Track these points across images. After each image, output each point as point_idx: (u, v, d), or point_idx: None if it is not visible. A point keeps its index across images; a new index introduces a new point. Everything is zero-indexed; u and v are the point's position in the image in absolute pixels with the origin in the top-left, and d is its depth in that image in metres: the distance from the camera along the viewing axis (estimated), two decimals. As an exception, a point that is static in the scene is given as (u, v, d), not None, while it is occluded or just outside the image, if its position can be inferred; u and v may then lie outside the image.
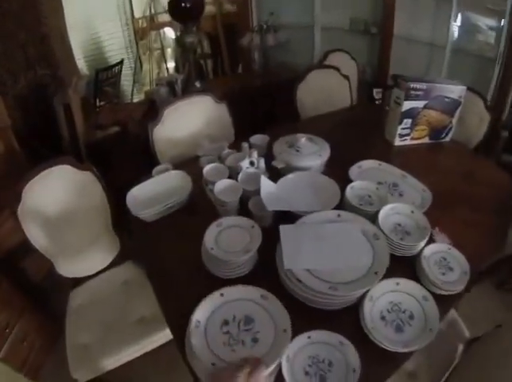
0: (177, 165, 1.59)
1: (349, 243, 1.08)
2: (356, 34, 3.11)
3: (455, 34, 2.90)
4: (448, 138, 1.96)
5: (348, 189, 1.34)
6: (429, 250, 1.15)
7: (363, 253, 1.04)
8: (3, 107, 2.13)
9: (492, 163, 1.95)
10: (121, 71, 3.95)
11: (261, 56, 3.22)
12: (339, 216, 1.17)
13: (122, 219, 1.49)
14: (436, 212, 1.32)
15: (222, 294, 0.94)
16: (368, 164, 1.59)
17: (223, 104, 2.01)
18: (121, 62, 3.96)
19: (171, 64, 3.97)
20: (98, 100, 3.53)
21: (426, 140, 1.91)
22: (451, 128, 1.93)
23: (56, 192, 1.50)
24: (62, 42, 3.11)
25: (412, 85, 1.72)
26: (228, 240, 1.10)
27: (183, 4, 2.67)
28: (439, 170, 1.70)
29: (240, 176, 1.35)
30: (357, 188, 1.37)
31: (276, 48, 3.17)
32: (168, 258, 1.22)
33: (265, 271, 1.07)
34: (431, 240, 1.20)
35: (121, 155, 2.61)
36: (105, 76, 3.71)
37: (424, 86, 1.74)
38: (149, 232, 1.32)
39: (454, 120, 1.90)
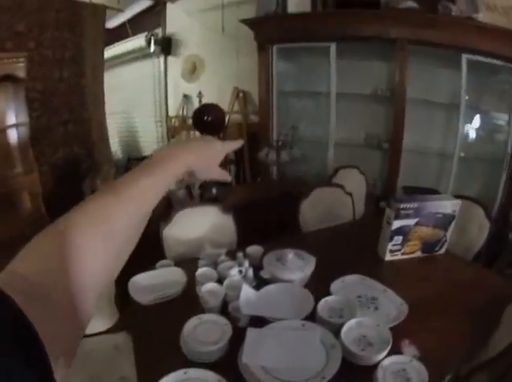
0: (179, 263, 1.83)
1: (306, 349, 1.23)
2: (369, 149, 3.37)
3: (464, 142, 3.17)
4: (442, 251, 2.05)
5: (322, 301, 1.47)
6: (389, 360, 1.21)
7: (316, 358, 1.19)
8: (37, 175, 2.38)
9: (489, 271, 2.06)
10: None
11: (277, 170, 3.50)
12: (303, 325, 1.34)
13: (123, 297, 1.69)
14: (413, 324, 1.41)
15: (185, 373, 1.13)
16: (352, 278, 1.71)
17: (229, 215, 2.22)
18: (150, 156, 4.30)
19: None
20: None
21: (418, 254, 2.01)
22: (445, 241, 2.01)
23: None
24: (100, 127, 3.50)
25: (401, 206, 1.86)
26: (204, 332, 1.31)
27: (205, 117, 2.97)
28: (427, 282, 1.77)
29: (226, 282, 1.57)
30: (331, 301, 1.50)
31: (291, 163, 3.41)
32: (154, 335, 1.42)
33: (231, 363, 1.22)
34: (397, 352, 1.27)
35: (139, 247, 2.80)
36: (135, 164, 4.03)
37: (414, 205, 1.87)
38: (144, 312, 1.55)
39: (448, 233, 2.01)
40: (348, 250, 2.03)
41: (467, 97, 3.16)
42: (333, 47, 3.24)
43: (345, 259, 1.91)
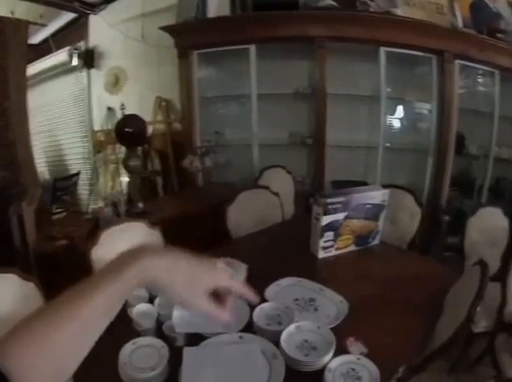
0: None
1: (247, 363, 1.15)
2: (294, 147, 3.37)
3: (390, 133, 3.29)
4: (376, 242, 2.05)
5: (257, 310, 1.38)
6: (336, 362, 1.16)
7: (259, 372, 1.12)
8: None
9: (426, 258, 2.11)
10: (77, 181, 4.07)
11: (203, 177, 3.43)
12: (241, 337, 1.25)
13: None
14: (356, 321, 1.37)
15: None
16: (287, 281, 1.65)
17: (156, 230, 2.09)
18: (77, 174, 4.09)
19: (125, 179, 4.11)
20: (54, 207, 3.63)
21: (352, 247, 1.99)
22: (377, 231, 2.01)
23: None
24: (25, 149, 3.31)
25: (329, 201, 1.83)
26: (141, 357, 1.20)
27: (126, 129, 2.84)
28: (365, 277, 1.74)
29: (156, 301, 1.45)
30: (267, 308, 1.42)
31: (217, 169, 3.37)
32: (92, 366, 1.25)
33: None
34: (344, 351, 1.22)
35: (69, 269, 2.63)
36: (62, 185, 3.82)
37: (342, 199, 1.84)
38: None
39: (380, 223, 2.00)
40: (281, 252, 1.98)
41: (389, 89, 3.26)
42: (253, 49, 3.22)
43: (278, 261, 1.85)
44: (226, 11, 3.44)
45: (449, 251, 3.03)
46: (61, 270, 2.52)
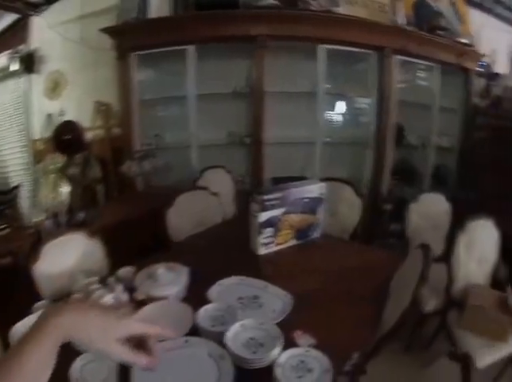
0: (58, 301, 1.59)
1: (195, 368, 1.14)
2: (234, 147, 3.35)
3: (331, 128, 3.35)
4: (316, 235, 2.06)
5: (201, 311, 1.37)
6: (285, 356, 1.16)
7: (207, 375, 1.10)
8: None
9: (366, 247, 2.14)
10: (18, 194, 3.87)
11: (144, 182, 3.35)
12: (186, 341, 1.23)
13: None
14: (302, 314, 1.38)
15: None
16: (230, 281, 1.64)
17: (95, 240, 2.03)
18: (18, 186, 3.89)
19: (66, 189, 3.95)
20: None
21: (293, 242, 2.00)
22: (317, 224, 2.02)
23: None
24: None
25: (265, 197, 1.82)
26: (91, 372, 1.16)
27: (63, 137, 2.75)
28: (308, 270, 1.76)
29: None
30: (210, 309, 1.41)
31: (158, 172, 3.31)
32: None
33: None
34: (293, 345, 1.22)
35: (15, 286, 2.49)
36: (2, 199, 3.62)
37: (279, 194, 1.84)
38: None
39: (319, 216, 2.02)
40: (222, 252, 1.97)
41: (329, 85, 3.31)
42: (192, 49, 3.18)
43: (220, 261, 1.84)
44: (167, 11, 3.39)
45: (393, 237, 3.12)
46: (7, 289, 2.41)
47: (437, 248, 2.37)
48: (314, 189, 1.95)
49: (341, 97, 3.58)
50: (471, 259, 2.16)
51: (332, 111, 3.55)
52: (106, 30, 3.34)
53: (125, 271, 1.75)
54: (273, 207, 1.84)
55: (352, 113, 3.68)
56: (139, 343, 0.63)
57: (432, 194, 2.59)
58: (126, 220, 2.79)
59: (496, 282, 2.58)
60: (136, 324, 0.62)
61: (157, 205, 2.57)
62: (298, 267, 1.80)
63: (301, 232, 1.99)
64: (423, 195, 2.52)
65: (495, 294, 2.07)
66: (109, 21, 3.46)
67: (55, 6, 4.08)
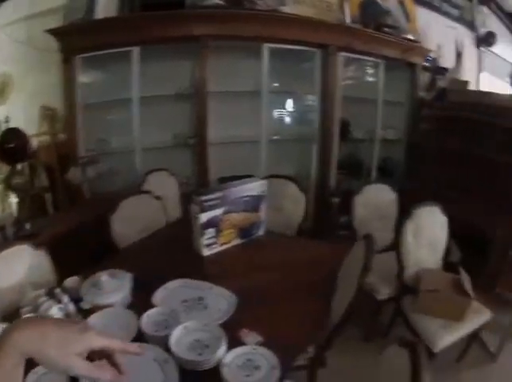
0: (8, 317, 1.55)
1: (141, 374, 1.12)
2: (179, 148, 3.32)
3: (278, 126, 3.40)
4: (260, 232, 2.08)
5: (144, 317, 1.36)
6: (231, 356, 1.18)
7: (154, 381, 1.11)
8: None
9: (312, 241, 2.17)
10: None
11: (89, 189, 3.28)
12: None
13: None
14: (249, 312, 1.40)
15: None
16: (174, 284, 1.63)
17: (42, 250, 1.97)
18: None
19: (14, 200, 3.80)
20: None
21: (237, 241, 2.02)
22: (261, 222, 2.04)
23: None
24: None
25: (204, 198, 1.83)
26: None
27: (7, 145, 2.66)
28: (253, 268, 1.78)
29: None
30: (153, 314, 1.40)
31: (103, 178, 3.25)
32: None
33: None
34: (240, 344, 1.24)
35: None
36: None
37: (218, 194, 1.85)
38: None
39: (262, 214, 2.03)
40: (167, 255, 1.96)
41: (275, 84, 3.36)
42: (136, 51, 3.12)
43: (165, 265, 1.83)
44: (114, 12, 3.33)
45: (343, 230, 3.20)
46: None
47: (387, 237, 2.48)
48: (254, 187, 1.97)
49: (286, 95, 3.64)
50: (421, 244, 2.25)
51: (279, 108, 3.60)
52: (51, 31, 3.23)
53: (71, 281, 1.73)
54: (212, 207, 1.84)
55: (299, 110, 3.73)
56: (104, 356, 0.62)
57: (376, 185, 2.67)
58: (74, 228, 2.74)
59: (450, 266, 2.72)
60: (96, 337, 0.59)
61: (103, 211, 2.59)
62: (243, 266, 1.82)
63: (245, 231, 2.00)
64: (367, 187, 2.59)
65: (448, 277, 2.18)
66: (56, 22, 3.35)
67: (4, 5, 3.96)
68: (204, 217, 1.84)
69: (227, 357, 1.17)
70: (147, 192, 2.41)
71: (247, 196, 1.94)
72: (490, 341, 2.41)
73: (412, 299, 2.16)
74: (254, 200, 1.97)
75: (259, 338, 1.27)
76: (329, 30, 3.31)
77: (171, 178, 2.81)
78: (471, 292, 2.02)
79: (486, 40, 5.48)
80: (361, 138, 3.84)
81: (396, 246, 2.19)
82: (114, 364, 0.63)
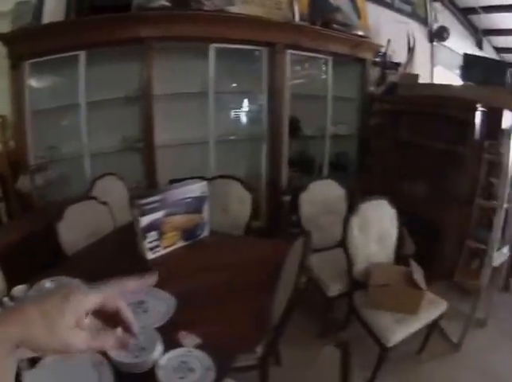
0: None
1: (76, 377, 1.17)
2: (128, 152, 3.29)
3: (223, 126, 3.42)
4: (205, 233, 2.09)
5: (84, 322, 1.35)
6: (166, 358, 1.19)
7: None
8: None
9: (259, 240, 2.22)
10: None
11: (39, 197, 3.20)
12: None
13: None
14: (191, 314, 1.41)
15: None
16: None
17: None
18: None
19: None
20: None
21: (181, 243, 2.02)
22: (204, 223, 2.05)
23: None
24: None
25: (143, 201, 1.82)
26: None
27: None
28: (198, 269, 1.78)
29: None
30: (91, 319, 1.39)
31: (53, 185, 3.19)
32: None
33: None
34: (179, 346, 1.25)
35: None
36: None
37: (158, 197, 1.84)
38: None
39: (205, 215, 2.04)
40: (113, 260, 1.94)
41: (223, 84, 3.35)
42: (83, 55, 3.08)
43: (110, 270, 1.77)
44: (61, 16, 3.27)
45: (294, 228, 3.24)
46: None
47: (337, 233, 2.49)
48: (195, 189, 1.97)
49: (236, 95, 3.67)
50: (369, 239, 2.28)
51: (228, 109, 3.62)
52: (-1, 37, 3.18)
53: (18, 290, 1.71)
54: (153, 210, 1.84)
55: (248, 109, 3.76)
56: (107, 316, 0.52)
57: (322, 181, 2.70)
58: (25, 237, 2.69)
59: (405, 258, 2.76)
60: (85, 298, 0.49)
61: (53, 220, 2.56)
62: (188, 268, 1.82)
63: (188, 233, 2.01)
64: (312, 183, 2.62)
65: (399, 270, 2.20)
66: (4, 27, 3.26)
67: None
68: (145, 221, 1.83)
69: (163, 360, 1.18)
70: (92, 197, 2.38)
71: (188, 197, 1.95)
72: (452, 330, 2.45)
73: (363, 295, 2.17)
74: (196, 201, 1.98)
75: (197, 340, 1.28)
76: (276, 28, 3.34)
77: (119, 183, 2.79)
78: (422, 284, 2.03)
79: (439, 34, 5.63)
80: (312, 134, 3.88)
81: (343, 242, 2.21)
82: (119, 322, 0.53)
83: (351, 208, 2.21)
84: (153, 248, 1.91)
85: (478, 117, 2.95)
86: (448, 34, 5.62)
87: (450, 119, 3.15)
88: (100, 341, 0.50)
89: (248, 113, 3.76)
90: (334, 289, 2.34)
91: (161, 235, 1.91)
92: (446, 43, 5.68)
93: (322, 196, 2.61)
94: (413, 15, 5.21)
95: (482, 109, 2.94)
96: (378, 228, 2.30)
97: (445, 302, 2.15)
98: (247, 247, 2.08)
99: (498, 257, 2.39)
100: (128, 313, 0.53)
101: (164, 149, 3.24)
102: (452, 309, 2.47)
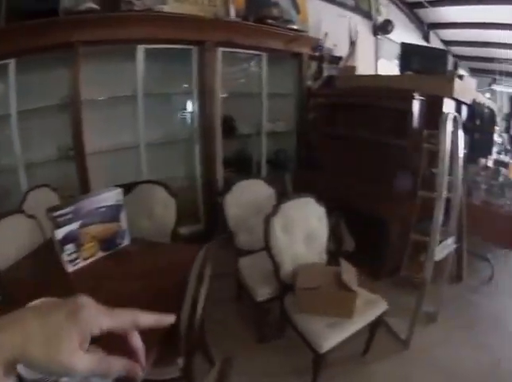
0: None
1: None
2: (63, 162, 3.21)
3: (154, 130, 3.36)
4: (126, 242, 2.06)
5: None
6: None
7: None
8: None
9: (180, 247, 2.17)
10: None
11: None
12: None
13: None
14: None
15: None
16: (34, 304, 1.57)
17: None
18: None
19: None
20: None
21: (101, 254, 1.98)
22: (124, 231, 2.03)
23: None
24: None
25: (56, 213, 1.77)
26: None
27: None
28: (118, 279, 1.76)
29: None
30: None
31: None
32: None
33: None
34: None
35: None
36: None
37: (71, 208, 1.80)
38: None
39: (123, 223, 2.02)
40: (38, 274, 1.91)
41: (153, 86, 3.28)
42: (12, 64, 2.96)
43: (34, 284, 1.76)
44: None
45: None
46: None
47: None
48: (110, 197, 1.93)
49: (168, 96, 3.58)
50: (295, 239, 2.19)
51: (160, 110, 3.51)
52: None
53: None
54: (67, 222, 1.78)
55: (180, 110, 3.70)
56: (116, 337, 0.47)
57: (249, 181, 2.64)
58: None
59: (346, 255, 2.70)
60: (94, 318, 0.44)
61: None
62: (107, 278, 1.78)
63: (107, 242, 1.97)
64: (236, 185, 2.55)
65: (330, 271, 2.08)
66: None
67: None
68: (60, 233, 1.78)
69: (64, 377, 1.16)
70: (20, 211, 2.28)
71: (103, 206, 1.90)
72: (401, 327, 2.39)
73: (292, 298, 2.07)
74: (112, 209, 1.94)
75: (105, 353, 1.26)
76: (206, 26, 3.28)
77: (52, 194, 2.67)
78: (353, 285, 1.92)
79: (383, 28, 5.72)
80: (248, 133, 3.86)
81: (265, 244, 2.10)
82: (127, 347, 0.49)
83: (273, 209, 2.12)
84: (73, 261, 1.86)
85: (416, 106, 2.92)
86: (393, 27, 5.72)
87: (389, 111, 3.14)
88: (107, 363, 0.45)
89: (180, 114, 3.70)
90: (262, 293, 2.25)
91: (79, 246, 1.86)
92: (391, 36, 5.78)
93: (250, 197, 2.56)
94: (356, 9, 5.28)
95: (420, 98, 2.93)
96: (304, 227, 2.22)
97: (385, 302, 2.08)
98: (169, 253, 2.03)
99: (441, 250, 2.31)
100: (139, 343, 0.49)
101: (96, 155, 3.15)
102: (400, 306, 2.47)
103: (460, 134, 2.31)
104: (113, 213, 1.96)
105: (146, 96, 3.23)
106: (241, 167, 3.86)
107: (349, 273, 2.02)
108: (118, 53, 3.20)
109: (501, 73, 6.92)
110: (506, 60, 6.88)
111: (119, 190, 1.96)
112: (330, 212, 2.38)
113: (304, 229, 2.23)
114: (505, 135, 5.75)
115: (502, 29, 5.85)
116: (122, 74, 3.20)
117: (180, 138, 3.60)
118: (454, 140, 2.28)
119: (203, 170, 3.58)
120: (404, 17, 6.35)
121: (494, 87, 7.30)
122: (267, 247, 2.10)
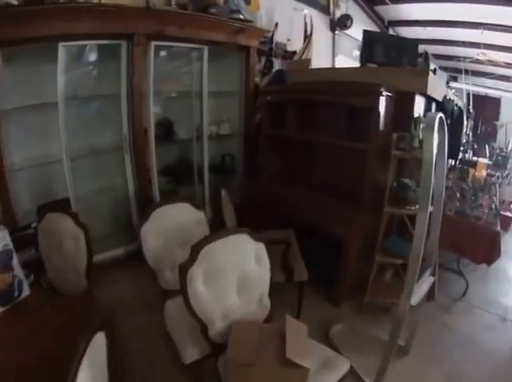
0: None
1: None
2: None
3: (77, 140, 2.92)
4: (26, 292, 1.64)
5: None
6: None
7: None
8: None
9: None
10: None
11: None
12: None
13: None
14: None
15: None
16: None
17: None
18: None
19: None
20: None
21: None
22: (20, 281, 1.60)
23: None
24: None
25: None
26: None
27: None
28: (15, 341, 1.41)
29: None
30: None
31: None
32: None
33: None
34: None
35: None
36: None
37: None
38: None
39: (17, 271, 1.57)
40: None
41: (73, 90, 2.81)
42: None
43: None
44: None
45: None
46: None
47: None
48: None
49: (94, 99, 3.07)
50: (225, 291, 1.69)
51: (85, 117, 3.02)
52: None
53: None
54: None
55: (109, 116, 3.09)
56: None
57: (171, 205, 2.12)
58: None
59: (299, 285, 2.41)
60: None
61: None
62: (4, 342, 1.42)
63: (3, 296, 1.55)
64: (156, 211, 2.03)
65: (273, 331, 1.57)
66: None
67: None
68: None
69: None
70: None
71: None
72: (369, 366, 1.98)
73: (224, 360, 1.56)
74: (0, 258, 1.51)
75: None
76: (132, 17, 2.75)
77: None
78: (304, 358, 1.42)
79: (341, 22, 5.49)
80: (188, 137, 3.42)
81: (184, 301, 1.56)
82: None
83: (191, 255, 1.57)
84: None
85: (382, 104, 2.44)
86: (352, 22, 5.51)
87: (349, 109, 2.72)
88: None
89: (108, 120, 3.09)
90: (190, 353, 1.68)
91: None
92: (349, 32, 5.59)
93: (174, 223, 2.06)
94: (312, 3, 5.13)
95: (388, 94, 2.47)
96: (236, 273, 1.70)
97: (347, 360, 1.66)
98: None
99: (418, 289, 1.85)
100: None
101: (18, 172, 2.68)
102: (365, 338, 2.29)
103: (446, 138, 1.83)
104: (4, 261, 1.53)
105: (70, 101, 2.74)
106: (181, 176, 3.42)
107: (298, 335, 1.54)
108: (40, 54, 2.67)
109: (466, 72, 6.77)
110: (466, 58, 6.85)
111: (5, 232, 1.51)
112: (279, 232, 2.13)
113: (236, 276, 1.71)
114: (470, 133, 5.67)
115: (462, 27, 5.89)
116: (45, 77, 2.68)
117: (110, 146, 3.07)
118: (438, 146, 1.79)
119: (137, 183, 3.12)
120: (363, 14, 6.20)
121: (454, 84, 7.17)
122: (187, 305, 1.57)
